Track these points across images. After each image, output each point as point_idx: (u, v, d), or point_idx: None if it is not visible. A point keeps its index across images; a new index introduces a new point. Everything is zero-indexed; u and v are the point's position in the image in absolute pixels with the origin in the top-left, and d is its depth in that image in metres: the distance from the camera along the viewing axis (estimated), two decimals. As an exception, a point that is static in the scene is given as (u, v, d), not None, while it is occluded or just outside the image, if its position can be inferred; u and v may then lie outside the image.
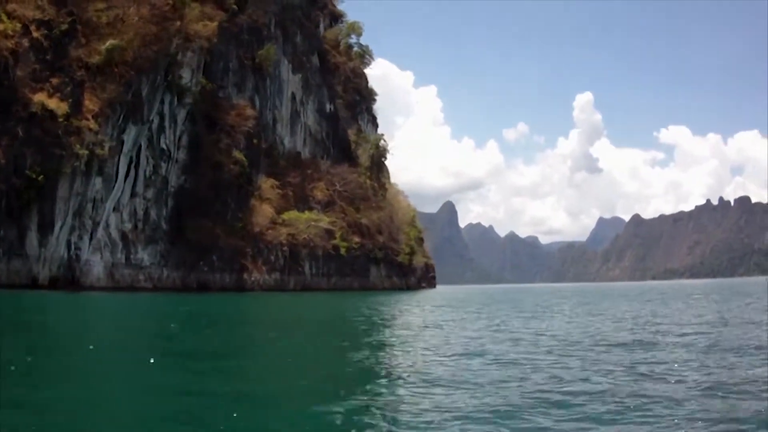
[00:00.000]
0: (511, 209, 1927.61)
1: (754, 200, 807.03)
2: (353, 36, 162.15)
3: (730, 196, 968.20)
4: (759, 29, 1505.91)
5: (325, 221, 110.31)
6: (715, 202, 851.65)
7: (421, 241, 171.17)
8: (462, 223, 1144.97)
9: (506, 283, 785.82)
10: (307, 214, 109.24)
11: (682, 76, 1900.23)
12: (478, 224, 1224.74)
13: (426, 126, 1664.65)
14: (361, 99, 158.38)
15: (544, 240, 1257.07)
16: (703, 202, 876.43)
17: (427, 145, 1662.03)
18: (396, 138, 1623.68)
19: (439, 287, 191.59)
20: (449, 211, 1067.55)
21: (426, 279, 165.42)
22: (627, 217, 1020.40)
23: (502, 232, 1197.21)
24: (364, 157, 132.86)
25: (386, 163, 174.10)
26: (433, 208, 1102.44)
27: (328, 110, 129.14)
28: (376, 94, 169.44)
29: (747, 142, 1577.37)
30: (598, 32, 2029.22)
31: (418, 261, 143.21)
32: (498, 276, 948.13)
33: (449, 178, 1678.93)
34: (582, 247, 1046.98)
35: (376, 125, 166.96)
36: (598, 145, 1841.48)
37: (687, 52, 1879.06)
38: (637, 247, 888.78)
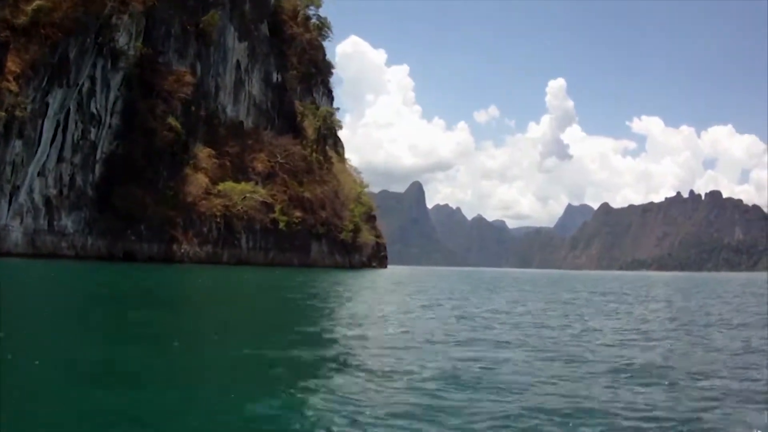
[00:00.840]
0: (480, 192, 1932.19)
1: (725, 195, 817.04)
2: (312, 8, 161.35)
3: (702, 189, 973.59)
4: (736, 26, 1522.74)
5: (261, 193, 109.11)
6: (685, 194, 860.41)
7: (372, 219, 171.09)
8: (430, 204, 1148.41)
9: (472, 266, 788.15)
10: (242, 185, 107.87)
11: (657, 66, 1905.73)
12: (446, 206, 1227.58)
13: (397, 105, 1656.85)
14: (317, 71, 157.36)
15: (511, 224, 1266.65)
16: (673, 194, 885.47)
17: (397, 124, 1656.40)
18: (366, 116, 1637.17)
19: (394, 267, 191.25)
20: (417, 191, 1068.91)
21: (377, 258, 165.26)
22: (596, 205, 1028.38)
23: (469, 215, 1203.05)
24: (311, 129, 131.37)
25: (341, 137, 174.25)
26: (401, 188, 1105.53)
27: (275, 80, 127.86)
28: (333, 67, 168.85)
29: (721, 136, 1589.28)
30: (573, 18, 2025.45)
31: (366, 239, 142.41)
32: (464, 258, 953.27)
33: (418, 158, 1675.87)
34: (549, 233, 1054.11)
35: (331, 98, 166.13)
36: (569, 131, 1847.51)
37: (663, 44, 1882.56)
38: (605, 236, 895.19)
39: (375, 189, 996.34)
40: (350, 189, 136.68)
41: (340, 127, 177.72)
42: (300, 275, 72.11)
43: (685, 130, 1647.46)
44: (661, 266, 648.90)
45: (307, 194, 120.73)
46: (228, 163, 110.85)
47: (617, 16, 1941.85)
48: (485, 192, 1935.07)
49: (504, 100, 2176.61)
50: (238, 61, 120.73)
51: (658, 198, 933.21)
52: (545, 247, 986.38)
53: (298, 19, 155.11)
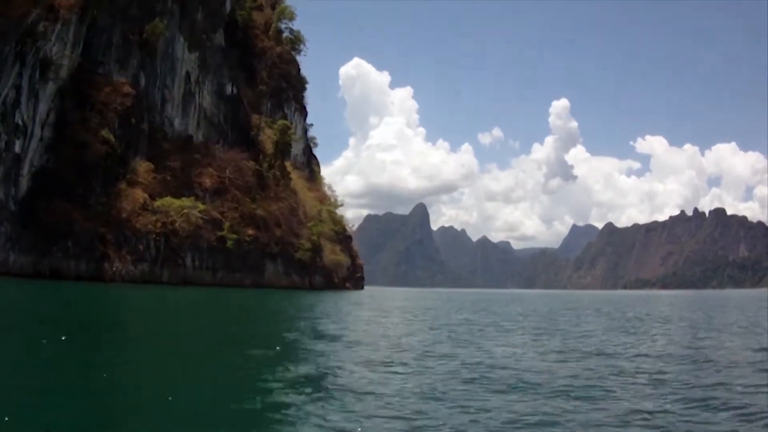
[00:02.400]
0: (485, 214, 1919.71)
1: (729, 212, 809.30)
2: (285, 21, 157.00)
3: (706, 207, 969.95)
4: (738, 42, 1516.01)
5: (200, 209, 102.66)
6: (690, 213, 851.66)
7: (348, 239, 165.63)
8: (434, 226, 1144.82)
9: (477, 287, 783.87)
10: (180, 201, 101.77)
11: (660, 85, 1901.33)
12: (451, 227, 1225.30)
13: (401, 127, 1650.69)
14: (289, 86, 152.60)
15: (516, 245, 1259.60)
16: (678, 212, 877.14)
17: (401, 146, 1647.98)
18: (370, 138, 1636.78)
19: (375, 289, 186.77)
20: (421, 213, 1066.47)
21: (352, 279, 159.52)
22: (601, 225, 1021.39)
23: (474, 237, 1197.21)
24: (268, 144, 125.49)
25: (316, 153, 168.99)
26: (405, 210, 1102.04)
27: (229, 92, 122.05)
28: (306, 83, 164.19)
29: (724, 154, 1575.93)
30: (576, 39, 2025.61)
31: (336, 259, 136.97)
32: (469, 280, 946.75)
33: (423, 180, 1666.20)
34: (554, 254, 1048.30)
35: (304, 114, 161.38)
36: (573, 152, 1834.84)
37: (665, 63, 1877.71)
38: (609, 256, 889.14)
39: (379, 211, 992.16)
40: (312, 207, 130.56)
41: (315, 144, 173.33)
42: (236, 297, 68.24)
43: (689, 148, 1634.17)
44: (666, 285, 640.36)
45: (260, 211, 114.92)
46: (169, 178, 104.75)
47: (619, 36, 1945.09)
48: (490, 214, 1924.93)
49: (508, 122, 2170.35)
50: (187, 72, 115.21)
51: (662, 217, 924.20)
52: (550, 268, 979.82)
53: (270, 32, 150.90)
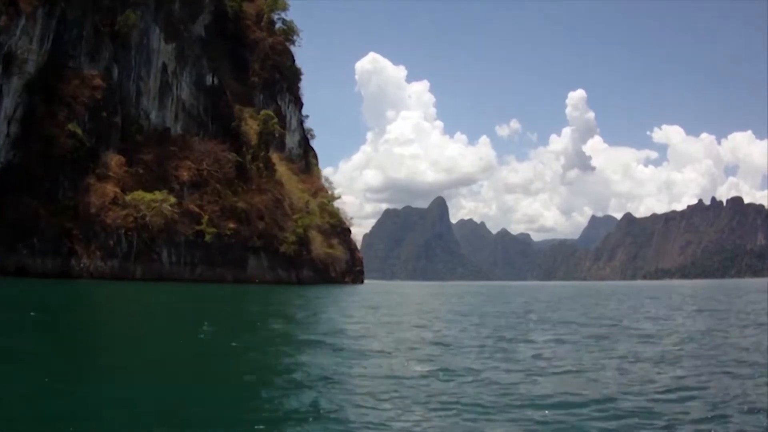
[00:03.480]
0: (504, 206, 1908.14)
1: (747, 201, 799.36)
2: (278, 12, 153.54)
3: (723, 196, 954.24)
4: (755, 30, 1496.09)
5: (170, 202, 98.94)
6: (707, 202, 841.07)
7: (346, 232, 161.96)
8: (454, 219, 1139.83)
9: (497, 280, 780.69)
10: (151, 195, 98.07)
11: (675, 74, 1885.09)
12: (470, 220, 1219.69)
13: (418, 121, 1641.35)
14: (282, 77, 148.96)
15: (536, 237, 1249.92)
16: (695, 202, 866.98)
17: (419, 140, 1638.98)
18: (388, 132, 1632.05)
19: (377, 283, 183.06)
20: (440, 206, 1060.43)
21: (351, 273, 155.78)
22: (619, 216, 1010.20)
23: (494, 229, 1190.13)
24: (253, 135, 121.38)
25: (313, 146, 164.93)
26: (424, 204, 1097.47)
27: (209, 83, 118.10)
28: (301, 74, 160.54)
29: (741, 142, 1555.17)
30: (591, 29, 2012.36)
31: (324, 253, 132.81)
32: (489, 273, 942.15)
33: (441, 173, 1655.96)
34: (573, 245, 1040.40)
35: (299, 105, 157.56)
36: (591, 143, 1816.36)
37: (681, 52, 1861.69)
38: (628, 246, 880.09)
39: (398, 205, 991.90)
40: (298, 198, 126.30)
41: (312, 136, 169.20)
42: (205, 292, 64.94)
43: (706, 137, 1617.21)
44: (685, 275, 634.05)
45: (241, 204, 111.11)
46: (142, 172, 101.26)
47: (634, 25, 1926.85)
48: (509, 206, 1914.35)
49: (525, 114, 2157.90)
50: (164, 63, 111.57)
51: (680, 206, 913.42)
52: (569, 259, 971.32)
53: (262, 23, 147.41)
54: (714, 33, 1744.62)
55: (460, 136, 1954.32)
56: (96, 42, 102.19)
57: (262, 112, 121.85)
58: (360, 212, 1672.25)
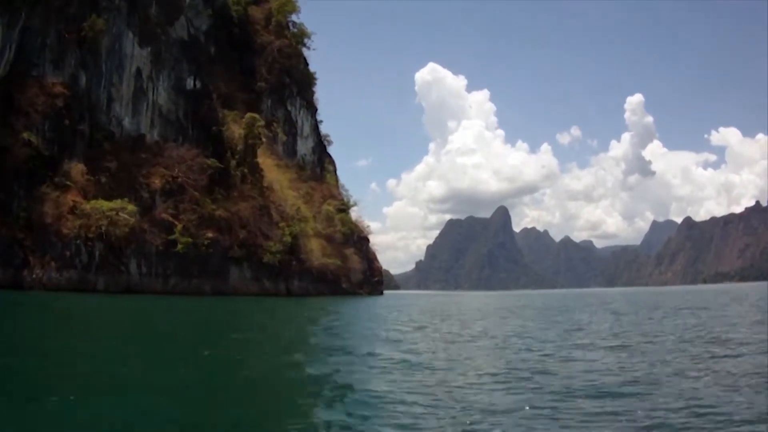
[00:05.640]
0: (567, 213, 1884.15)
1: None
2: (290, 15, 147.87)
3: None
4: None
5: (129, 210, 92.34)
6: (764, 204, 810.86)
7: (364, 241, 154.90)
8: (517, 228, 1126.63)
9: (560, 287, 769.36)
10: (110, 203, 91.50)
11: (731, 76, 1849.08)
12: (533, 229, 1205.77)
13: (479, 130, 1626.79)
14: (292, 81, 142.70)
15: (599, 244, 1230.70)
16: (753, 204, 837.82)
17: (480, 149, 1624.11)
18: (450, 142, 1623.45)
19: (400, 293, 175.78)
20: (503, 216, 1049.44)
21: (369, 285, 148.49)
22: (680, 220, 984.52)
23: (557, 237, 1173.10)
24: (238, 140, 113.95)
25: (330, 152, 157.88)
26: (487, 213, 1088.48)
27: (190, 86, 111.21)
28: (315, 78, 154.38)
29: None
30: (648, 34, 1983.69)
31: (323, 261, 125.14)
32: (552, 281, 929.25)
33: (504, 182, 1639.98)
34: (635, 251, 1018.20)
35: (312, 110, 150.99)
36: (650, 147, 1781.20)
37: (736, 54, 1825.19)
38: (688, 251, 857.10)
39: (461, 216, 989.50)
40: (291, 206, 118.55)
41: (329, 143, 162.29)
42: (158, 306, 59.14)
43: (762, 138, 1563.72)
44: (744, 278, 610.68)
45: (220, 212, 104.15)
46: (105, 180, 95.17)
47: (689, 30, 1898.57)
48: (572, 213, 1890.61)
49: (585, 120, 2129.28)
50: (138, 68, 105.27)
51: (739, 209, 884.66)
52: (631, 265, 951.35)
53: (270, 26, 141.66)
54: (766, 33, 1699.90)
55: (521, 145, 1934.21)
56: (60, 49, 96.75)
57: (247, 115, 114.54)
58: (424, 223, 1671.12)
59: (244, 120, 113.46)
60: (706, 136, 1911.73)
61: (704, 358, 18.63)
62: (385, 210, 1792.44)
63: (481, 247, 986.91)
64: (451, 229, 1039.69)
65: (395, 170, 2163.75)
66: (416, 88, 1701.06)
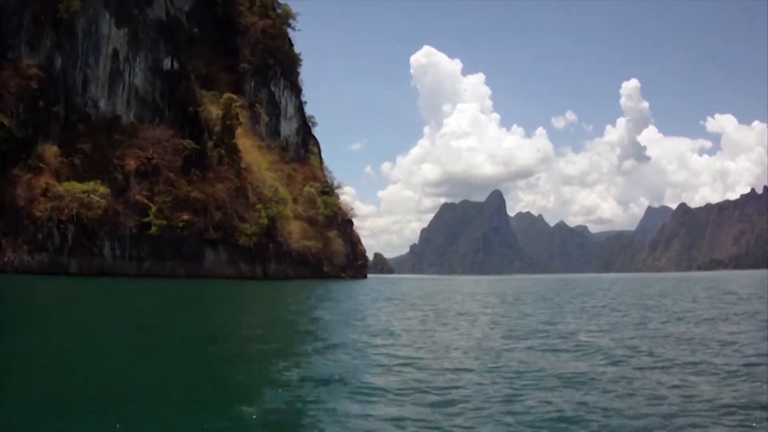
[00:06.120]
0: (562, 198, 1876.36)
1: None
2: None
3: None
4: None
5: (101, 192, 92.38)
6: (759, 191, 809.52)
7: (348, 224, 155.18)
8: (512, 212, 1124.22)
9: (554, 272, 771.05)
10: (82, 185, 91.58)
11: (727, 62, 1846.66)
12: (528, 213, 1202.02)
13: (475, 114, 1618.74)
14: (276, 62, 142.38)
15: (593, 229, 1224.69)
16: (748, 191, 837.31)
17: (475, 133, 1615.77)
18: (444, 126, 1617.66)
19: (374, 276, 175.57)
20: (497, 200, 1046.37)
21: (352, 268, 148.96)
22: (675, 206, 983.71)
23: (552, 221, 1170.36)
24: (216, 121, 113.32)
25: (323, 135, 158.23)
26: (482, 197, 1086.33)
27: (167, 67, 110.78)
28: (300, 59, 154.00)
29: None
30: (643, 19, 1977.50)
31: (302, 245, 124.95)
32: (546, 265, 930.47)
33: (499, 166, 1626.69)
34: (630, 237, 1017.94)
35: (296, 91, 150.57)
36: (645, 133, 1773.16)
37: (731, 40, 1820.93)
38: (683, 237, 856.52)
39: (456, 199, 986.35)
40: (270, 187, 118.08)
41: (314, 124, 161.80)
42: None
43: (758, 126, 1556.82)
44: (738, 265, 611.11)
45: (196, 194, 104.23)
46: (78, 162, 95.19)
47: (683, 15, 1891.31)
48: (567, 198, 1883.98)
49: (580, 104, 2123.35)
50: (115, 49, 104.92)
51: (734, 196, 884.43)
52: (626, 251, 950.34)
53: (254, 7, 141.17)
54: (763, 20, 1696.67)
55: (516, 129, 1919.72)
56: (36, 31, 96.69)
57: (225, 95, 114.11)
58: (419, 207, 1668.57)
59: (221, 100, 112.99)
60: (701, 122, 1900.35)
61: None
62: (380, 193, 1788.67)
63: (476, 231, 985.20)
64: (445, 212, 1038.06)
65: (390, 154, 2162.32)
66: (411, 71, 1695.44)
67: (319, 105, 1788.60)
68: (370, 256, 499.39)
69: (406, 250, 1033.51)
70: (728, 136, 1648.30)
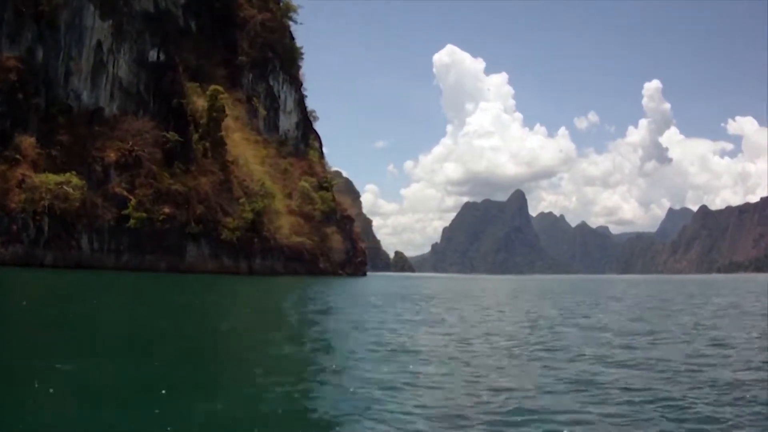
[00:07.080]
0: (584, 198, 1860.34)
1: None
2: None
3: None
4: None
5: (74, 184, 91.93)
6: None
7: (348, 220, 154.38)
8: (534, 212, 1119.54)
9: (575, 273, 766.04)
10: (55, 177, 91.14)
11: (749, 65, 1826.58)
12: (550, 213, 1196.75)
13: (497, 113, 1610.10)
14: (275, 56, 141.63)
15: (615, 230, 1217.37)
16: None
17: (498, 132, 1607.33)
18: (467, 124, 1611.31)
19: (382, 274, 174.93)
20: (519, 199, 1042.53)
21: (351, 265, 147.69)
22: (696, 208, 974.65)
23: (573, 222, 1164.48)
24: (202, 113, 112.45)
25: (316, 128, 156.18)
26: (504, 197, 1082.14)
27: (153, 59, 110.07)
28: (301, 53, 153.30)
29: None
30: (666, 20, 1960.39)
31: (292, 240, 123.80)
32: (567, 266, 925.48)
33: (522, 166, 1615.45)
34: (651, 238, 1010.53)
35: (296, 85, 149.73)
36: (667, 134, 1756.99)
37: (753, 43, 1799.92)
38: (704, 239, 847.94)
39: (478, 199, 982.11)
40: (258, 181, 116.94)
41: (315, 118, 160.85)
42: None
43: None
44: (759, 268, 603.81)
45: (178, 186, 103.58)
46: (55, 153, 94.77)
47: (707, 17, 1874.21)
48: (589, 198, 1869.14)
49: (603, 105, 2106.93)
50: (99, 41, 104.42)
51: (755, 198, 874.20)
52: (646, 253, 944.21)
53: (254, 0, 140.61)
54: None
55: (539, 128, 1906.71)
56: (17, 24, 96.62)
57: (211, 87, 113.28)
58: (441, 205, 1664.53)
59: (207, 93, 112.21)
60: (722, 124, 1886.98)
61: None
62: (403, 191, 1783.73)
63: (498, 230, 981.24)
64: (467, 211, 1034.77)
65: (413, 152, 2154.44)
66: (434, 69, 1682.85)
67: (341, 102, 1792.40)
68: (391, 254, 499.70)
69: (428, 248, 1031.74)
70: (749, 138, 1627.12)
